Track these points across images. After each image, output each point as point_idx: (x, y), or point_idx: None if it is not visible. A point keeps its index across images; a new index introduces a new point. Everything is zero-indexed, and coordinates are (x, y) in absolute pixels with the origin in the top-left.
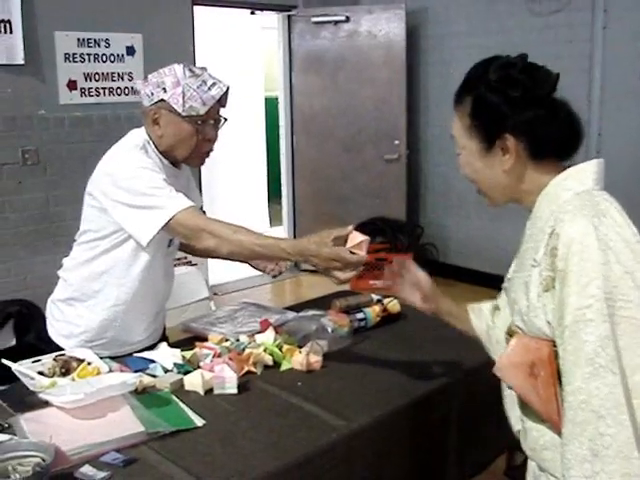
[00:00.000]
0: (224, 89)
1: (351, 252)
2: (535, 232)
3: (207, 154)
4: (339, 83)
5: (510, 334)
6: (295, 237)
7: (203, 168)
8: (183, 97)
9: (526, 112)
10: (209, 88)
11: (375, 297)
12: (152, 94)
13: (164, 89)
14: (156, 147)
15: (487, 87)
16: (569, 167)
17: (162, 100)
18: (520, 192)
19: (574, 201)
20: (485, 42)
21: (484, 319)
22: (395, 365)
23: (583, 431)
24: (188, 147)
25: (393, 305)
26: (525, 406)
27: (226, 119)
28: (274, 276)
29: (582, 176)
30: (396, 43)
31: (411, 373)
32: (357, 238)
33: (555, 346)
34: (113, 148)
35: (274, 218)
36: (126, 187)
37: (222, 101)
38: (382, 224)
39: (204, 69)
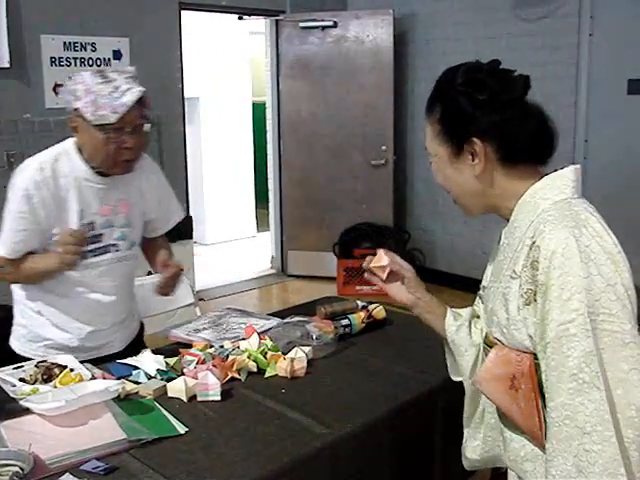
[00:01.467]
0: (138, 93)
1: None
2: (513, 242)
3: (129, 162)
4: (327, 88)
5: (489, 345)
6: (282, 242)
7: (190, 172)
8: (93, 105)
9: (493, 115)
10: (122, 94)
11: (360, 303)
12: (68, 102)
13: (77, 97)
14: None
15: (454, 91)
16: (546, 174)
17: (76, 108)
18: (494, 199)
19: (553, 211)
20: (472, 48)
21: (459, 322)
22: (380, 371)
23: (568, 447)
24: (103, 156)
25: (378, 311)
26: (505, 417)
27: (150, 123)
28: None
29: (560, 184)
30: (384, 48)
31: (396, 379)
32: (382, 260)
33: (537, 359)
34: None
35: (261, 223)
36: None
37: (142, 105)
38: (369, 229)
39: (122, 72)
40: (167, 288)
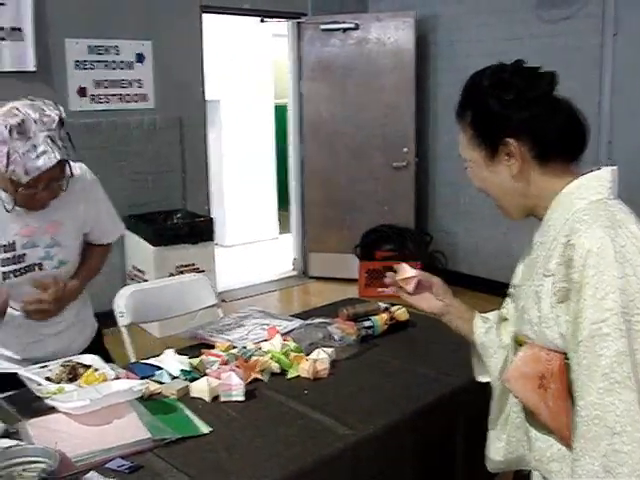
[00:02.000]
0: (53, 162)
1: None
2: (547, 240)
3: (40, 207)
4: (348, 90)
5: (519, 343)
6: (304, 244)
7: (212, 174)
8: (7, 158)
9: (523, 113)
10: (37, 156)
11: (383, 305)
12: None
13: None
14: None
15: (482, 95)
16: (582, 174)
17: None
18: (532, 199)
19: (589, 210)
20: (495, 49)
21: (488, 324)
22: (402, 373)
23: (596, 446)
24: (15, 199)
25: (401, 313)
26: (532, 416)
27: (66, 185)
28: None
29: (597, 184)
30: (405, 50)
31: (418, 381)
32: (407, 272)
33: (567, 359)
34: None
35: (283, 225)
36: None
37: (52, 173)
38: (390, 232)
39: (48, 125)
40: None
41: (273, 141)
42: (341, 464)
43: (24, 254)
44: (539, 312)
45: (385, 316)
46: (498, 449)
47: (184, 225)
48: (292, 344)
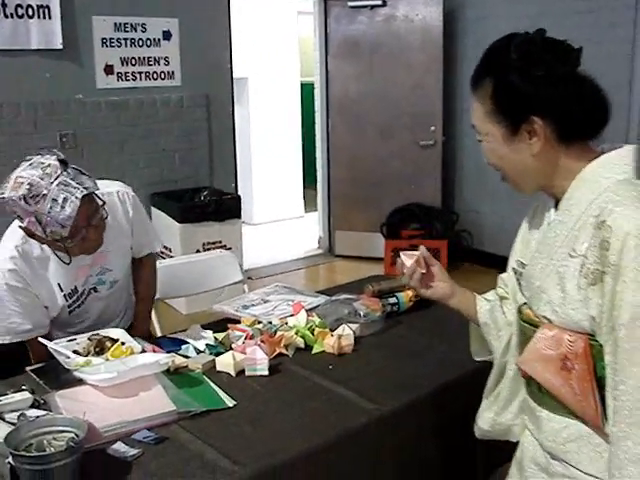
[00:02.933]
0: (77, 202)
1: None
2: (569, 219)
3: (97, 245)
4: (375, 68)
5: (529, 323)
6: (330, 222)
7: (239, 152)
8: (40, 225)
9: (551, 91)
10: (62, 207)
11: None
12: (13, 215)
13: (19, 217)
14: None
15: (508, 67)
16: (602, 152)
17: (24, 227)
18: (551, 178)
19: (620, 190)
20: (523, 25)
21: (491, 304)
22: (426, 350)
23: (639, 430)
24: (69, 253)
25: None
26: (544, 397)
27: (105, 212)
28: None
29: (621, 163)
30: (433, 27)
31: (442, 358)
32: (407, 261)
33: (592, 340)
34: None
35: (309, 204)
36: None
37: (85, 212)
38: (417, 210)
39: (52, 175)
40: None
41: (299, 119)
42: (364, 438)
43: (84, 289)
44: (562, 293)
45: (410, 293)
46: (487, 419)
47: (211, 202)
48: (317, 320)
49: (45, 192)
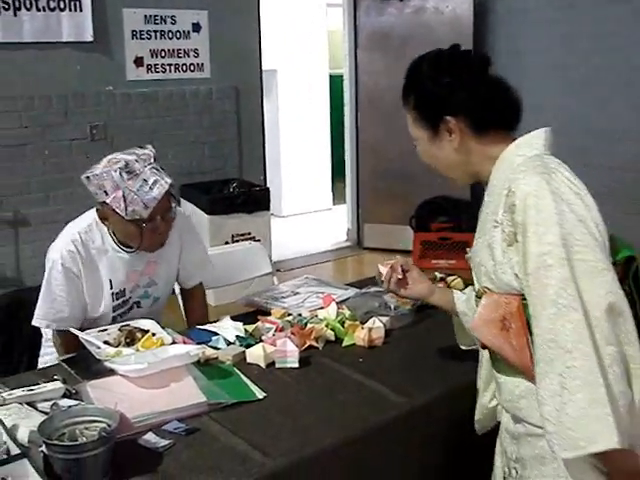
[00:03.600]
0: (166, 187)
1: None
2: (493, 197)
3: (162, 243)
4: (405, 61)
5: (479, 296)
6: (359, 215)
7: (267, 144)
8: (124, 201)
9: (459, 93)
10: (150, 188)
11: (439, 275)
12: (96, 194)
13: (105, 192)
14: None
15: (422, 78)
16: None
17: (105, 202)
18: (475, 166)
19: (527, 163)
20: (554, 17)
21: (467, 295)
22: (456, 344)
23: (553, 367)
24: (137, 242)
25: (456, 283)
26: (499, 364)
27: (175, 212)
28: None
29: (532, 142)
30: (463, 19)
31: (473, 351)
32: (382, 268)
33: (524, 299)
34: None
35: (337, 196)
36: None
37: (169, 193)
38: (445, 203)
39: (147, 160)
40: None
41: (328, 111)
42: (395, 432)
43: (130, 297)
44: (493, 261)
45: (441, 286)
46: (477, 408)
47: (240, 194)
48: (347, 312)
49: (138, 172)
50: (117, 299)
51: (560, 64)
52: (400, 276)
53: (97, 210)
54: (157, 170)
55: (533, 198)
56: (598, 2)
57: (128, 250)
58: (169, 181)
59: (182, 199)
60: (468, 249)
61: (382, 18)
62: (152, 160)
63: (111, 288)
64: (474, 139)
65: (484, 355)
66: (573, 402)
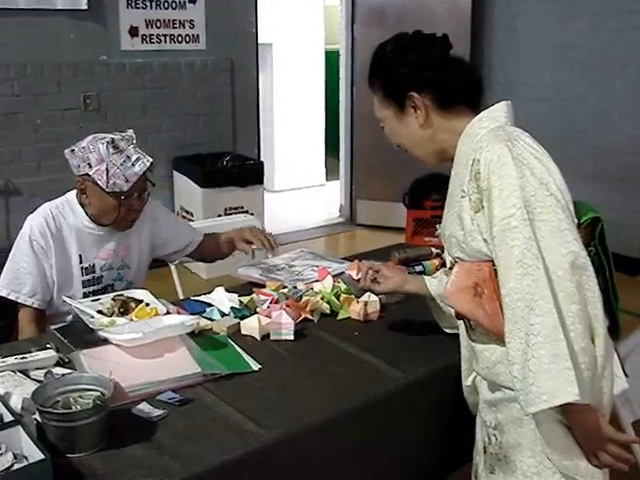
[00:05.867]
0: (147, 164)
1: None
2: (459, 170)
3: (133, 221)
4: None
5: (451, 268)
6: (352, 191)
7: (262, 119)
8: (107, 174)
9: (423, 71)
10: (132, 164)
11: (435, 250)
12: (79, 166)
13: (89, 164)
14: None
15: (387, 59)
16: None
17: (87, 174)
18: (441, 143)
19: (490, 134)
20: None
21: (438, 277)
22: (452, 318)
23: (520, 326)
24: (112, 217)
25: None
26: (474, 332)
27: (148, 192)
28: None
29: (494, 115)
30: None
31: None
32: (351, 273)
33: (494, 266)
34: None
35: (331, 172)
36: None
37: (142, 182)
38: (439, 181)
39: (130, 140)
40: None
41: (323, 86)
42: (390, 405)
43: (102, 276)
44: (463, 230)
45: (437, 262)
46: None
47: (233, 168)
48: (343, 286)
49: (122, 149)
50: (86, 274)
51: (559, 43)
52: (377, 270)
53: (77, 182)
54: (139, 150)
55: (496, 164)
56: None
57: (100, 227)
58: (150, 160)
59: (175, 171)
60: (438, 226)
61: None
62: (134, 141)
63: (80, 262)
64: (439, 115)
65: (462, 332)
66: (535, 358)
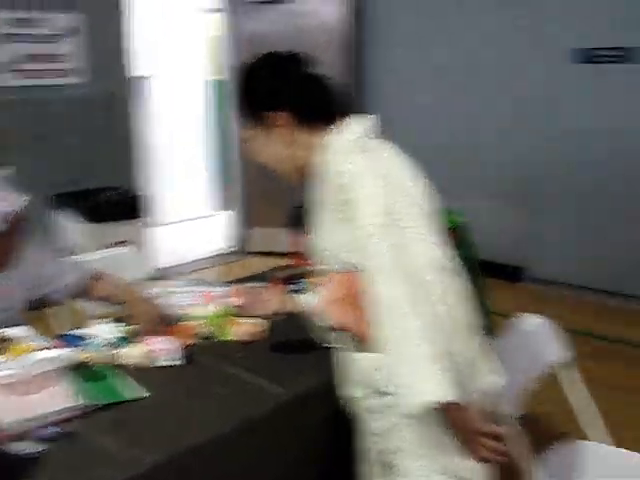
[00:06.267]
0: (24, 203)
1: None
2: (321, 183)
3: (10, 261)
4: None
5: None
6: (243, 221)
7: (144, 153)
8: None
9: (284, 89)
10: (8, 203)
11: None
12: None
13: None
14: None
15: (249, 81)
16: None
17: None
18: (301, 159)
19: (349, 145)
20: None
21: (310, 294)
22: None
23: (393, 331)
24: None
25: None
26: (348, 342)
27: (27, 230)
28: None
29: (352, 127)
30: (342, 23)
31: None
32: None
33: (365, 274)
34: None
35: (220, 202)
36: None
37: (23, 216)
38: None
39: (4, 180)
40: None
41: (206, 119)
42: (273, 423)
43: None
44: (332, 242)
45: (315, 279)
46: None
47: (116, 202)
48: (226, 308)
49: None
50: None
51: (439, 61)
52: (258, 293)
53: None
54: (14, 189)
55: (354, 176)
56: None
57: None
58: (27, 198)
59: (55, 209)
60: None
61: (261, 23)
62: (9, 180)
63: None
64: (300, 131)
65: (337, 343)
66: (409, 361)
